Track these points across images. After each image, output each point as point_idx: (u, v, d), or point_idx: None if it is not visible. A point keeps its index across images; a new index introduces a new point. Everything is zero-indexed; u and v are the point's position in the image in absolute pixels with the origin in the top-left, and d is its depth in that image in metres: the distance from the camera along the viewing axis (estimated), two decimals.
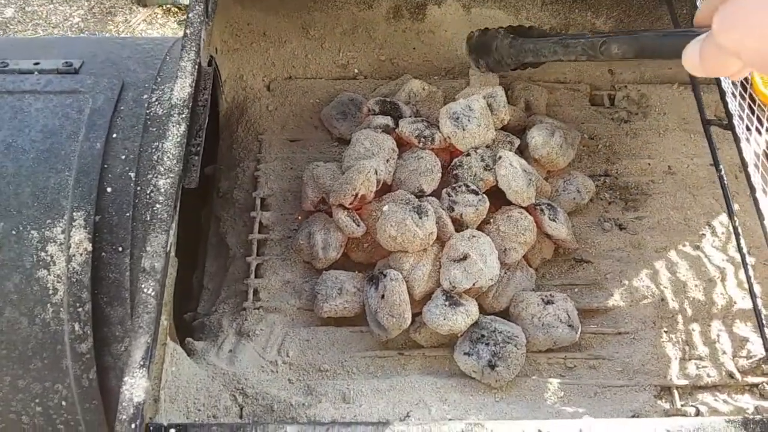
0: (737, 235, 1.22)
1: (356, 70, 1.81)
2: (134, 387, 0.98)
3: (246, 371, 1.31)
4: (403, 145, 1.55)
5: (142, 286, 1.05)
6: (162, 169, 1.16)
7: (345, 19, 1.79)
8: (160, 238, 1.10)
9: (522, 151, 1.61)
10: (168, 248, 1.09)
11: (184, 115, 1.22)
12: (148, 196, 1.24)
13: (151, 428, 0.99)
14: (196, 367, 1.26)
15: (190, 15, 1.34)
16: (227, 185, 1.65)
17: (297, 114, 1.73)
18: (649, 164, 1.70)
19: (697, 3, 1.43)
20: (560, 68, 1.84)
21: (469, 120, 1.50)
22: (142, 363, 1.00)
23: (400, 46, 1.81)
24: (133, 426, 0.95)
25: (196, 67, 1.28)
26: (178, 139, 1.19)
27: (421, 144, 1.52)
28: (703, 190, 1.65)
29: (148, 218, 1.14)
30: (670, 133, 1.76)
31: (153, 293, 1.05)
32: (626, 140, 1.74)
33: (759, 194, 1.20)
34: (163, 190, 1.14)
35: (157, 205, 1.12)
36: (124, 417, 0.96)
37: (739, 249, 1.22)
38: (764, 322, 1.20)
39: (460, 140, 1.51)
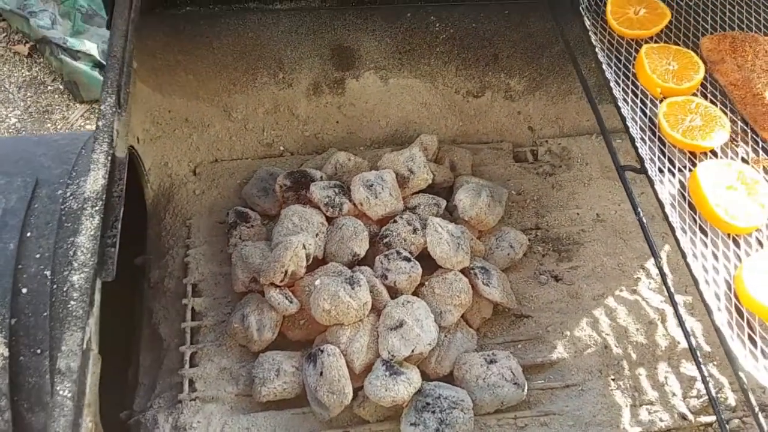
0: (663, 275, 1.23)
1: (282, 148, 1.82)
2: None
3: None
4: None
5: (58, 387, 0.99)
6: (76, 265, 1.11)
7: (266, 99, 1.80)
8: (76, 336, 1.04)
9: (451, 212, 1.62)
10: (85, 346, 1.04)
11: (97, 208, 1.18)
12: (63, 294, 1.19)
13: None
14: None
15: (102, 107, 1.32)
16: (158, 275, 1.60)
17: (225, 196, 1.71)
18: (578, 214, 1.73)
19: (600, 59, 1.46)
20: (482, 129, 1.88)
21: (382, 189, 1.53)
22: None
23: (323, 121, 1.83)
24: None
25: (110, 158, 1.26)
26: (92, 233, 1.15)
27: (329, 213, 1.54)
28: (632, 234, 1.68)
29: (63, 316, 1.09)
30: (595, 181, 1.80)
31: (69, 395, 0.99)
32: (553, 193, 1.77)
33: (678, 233, 1.22)
34: (77, 285, 1.09)
35: (72, 302, 1.07)
36: None
37: (667, 289, 1.22)
38: (700, 359, 1.20)
39: (372, 207, 1.53)
